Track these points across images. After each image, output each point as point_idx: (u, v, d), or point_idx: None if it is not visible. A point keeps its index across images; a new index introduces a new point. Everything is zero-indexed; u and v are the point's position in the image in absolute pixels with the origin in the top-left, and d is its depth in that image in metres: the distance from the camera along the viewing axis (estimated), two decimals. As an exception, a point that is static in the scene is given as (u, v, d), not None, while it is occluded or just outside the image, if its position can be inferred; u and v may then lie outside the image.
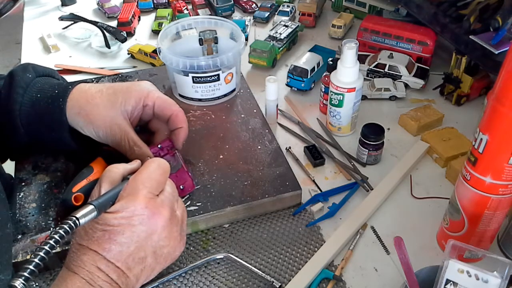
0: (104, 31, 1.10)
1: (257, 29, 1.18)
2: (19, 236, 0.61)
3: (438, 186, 0.74)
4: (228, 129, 0.80)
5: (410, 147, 0.80)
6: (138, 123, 0.67)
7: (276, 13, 1.18)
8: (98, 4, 1.27)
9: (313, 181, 0.75)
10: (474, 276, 0.48)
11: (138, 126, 0.68)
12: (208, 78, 0.82)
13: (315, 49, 1.02)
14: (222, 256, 0.63)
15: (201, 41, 0.89)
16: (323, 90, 0.86)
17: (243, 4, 1.25)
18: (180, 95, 0.87)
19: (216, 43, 0.89)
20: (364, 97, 0.91)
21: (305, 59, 0.93)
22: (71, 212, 0.45)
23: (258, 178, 0.70)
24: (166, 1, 1.26)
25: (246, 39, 1.10)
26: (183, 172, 0.65)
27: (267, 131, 0.79)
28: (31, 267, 0.40)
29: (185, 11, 1.19)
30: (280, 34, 1.04)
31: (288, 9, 1.17)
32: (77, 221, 0.44)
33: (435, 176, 0.76)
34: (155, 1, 1.25)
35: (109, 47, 1.08)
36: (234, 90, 0.88)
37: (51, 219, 0.63)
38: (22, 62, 1.06)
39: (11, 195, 0.66)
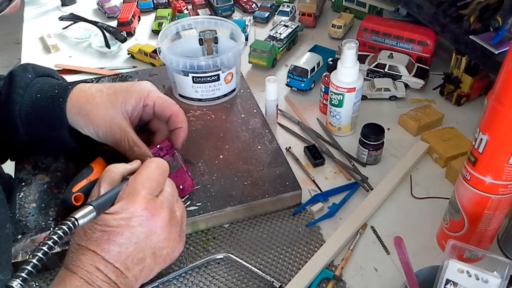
0: (104, 31, 1.10)
1: (257, 29, 1.18)
2: (19, 236, 0.61)
3: (438, 186, 0.74)
4: (228, 129, 0.80)
5: (410, 147, 0.80)
6: (138, 123, 0.67)
7: (276, 13, 1.18)
8: (98, 4, 1.27)
9: (313, 181, 0.75)
10: (474, 276, 0.48)
11: (138, 126, 0.68)
12: (208, 78, 0.82)
13: (315, 49, 1.02)
14: (222, 256, 0.63)
15: (201, 41, 0.89)
16: (323, 90, 0.86)
17: (243, 4, 1.25)
18: (180, 95, 0.87)
19: (216, 43, 0.89)
20: (364, 97, 0.91)
21: (305, 59, 0.93)
22: (71, 212, 0.45)
23: (258, 178, 0.70)
24: (166, 1, 1.26)
25: (246, 39, 1.10)
26: (182, 172, 0.65)
27: (267, 131, 0.79)
28: (29, 267, 0.40)
29: (185, 11, 1.19)
30: (280, 34, 1.04)
31: (288, 9, 1.17)
32: (76, 222, 0.44)
33: (435, 176, 0.76)
34: (155, 1, 1.25)
35: (109, 47, 1.08)
36: (234, 90, 0.88)
37: (51, 219, 0.63)
38: (22, 62, 1.06)
39: (11, 195, 0.66)
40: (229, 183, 0.69)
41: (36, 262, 0.41)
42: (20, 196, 0.66)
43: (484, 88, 0.91)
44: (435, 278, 0.49)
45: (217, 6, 1.19)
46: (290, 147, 0.81)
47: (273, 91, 0.82)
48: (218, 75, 0.83)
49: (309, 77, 0.91)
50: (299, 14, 1.17)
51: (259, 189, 0.68)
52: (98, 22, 1.13)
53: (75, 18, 1.17)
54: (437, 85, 0.92)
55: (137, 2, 1.24)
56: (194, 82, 0.83)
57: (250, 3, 1.25)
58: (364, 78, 0.88)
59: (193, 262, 0.63)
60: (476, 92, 0.90)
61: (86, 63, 1.06)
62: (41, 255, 0.41)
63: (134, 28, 1.17)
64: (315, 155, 0.78)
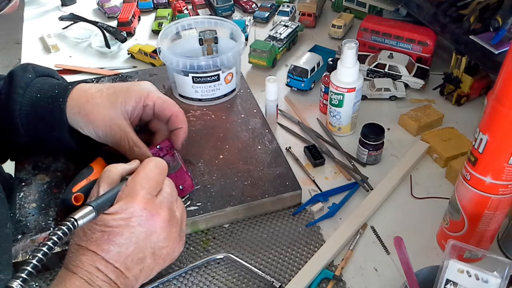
0: (104, 31, 1.10)
1: (257, 29, 1.18)
2: (19, 236, 0.61)
3: (438, 186, 0.74)
4: (228, 129, 0.80)
5: (410, 147, 0.80)
6: (138, 123, 0.67)
7: (276, 13, 1.18)
8: (98, 4, 1.27)
9: (313, 181, 0.75)
10: (474, 276, 0.48)
11: (138, 126, 0.68)
12: (208, 78, 0.82)
13: (315, 49, 1.02)
14: (222, 256, 0.63)
15: (201, 41, 0.89)
16: (323, 90, 0.86)
17: (243, 4, 1.25)
18: (180, 95, 0.87)
19: (216, 43, 0.89)
20: (364, 97, 0.91)
21: (305, 59, 0.93)
22: (71, 212, 0.45)
23: (258, 178, 0.70)
24: (166, 1, 1.26)
25: (246, 39, 1.10)
26: (182, 172, 0.65)
27: (267, 131, 0.79)
28: (29, 268, 0.40)
29: (185, 11, 1.19)
30: (280, 34, 1.04)
31: (288, 9, 1.17)
32: (75, 223, 0.44)
33: (435, 176, 0.76)
34: (155, 1, 1.25)
35: (109, 47, 1.08)
36: (234, 90, 0.88)
37: (51, 219, 0.63)
38: (22, 62, 1.06)
39: (11, 195, 0.66)
40: (229, 183, 0.69)
41: (36, 262, 0.41)
42: (20, 196, 0.66)
43: (484, 88, 0.90)
44: (435, 278, 0.49)
45: (217, 6, 1.19)
46: (290, 147, 0.81)
47: (273, 91, 0.82)
48: (218, 75, 0.83)
49: (309, 77, 0.91)
50: (299, 14, 1.17)
51: (259, 189, 0.68)
52: (98, 22, 1.13)
53: (75, 18, 1.17)
54: (437, 85, 0.92)
55: (137, 2, 1.24)
56: (194, 82, 0.83)
57: (250, 3, 1.25)
58: (364, 78, 0.88)
59: (193, 262, 0.63)
60: (476, 92, 0.90)
61: (86, 63, 1.06)
62: (41, 256, 0.41)
63: (134, 28, 1.17)
64: (315, 155, 0.78)
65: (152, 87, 0.66)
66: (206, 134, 0.79)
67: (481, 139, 0.52)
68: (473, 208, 0.57)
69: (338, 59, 0.78)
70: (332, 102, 0.80)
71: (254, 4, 1.25)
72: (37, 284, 0.60)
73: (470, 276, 0.48)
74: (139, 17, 1.22)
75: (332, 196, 0.72)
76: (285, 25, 1.07)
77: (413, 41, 0.96)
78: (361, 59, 0.88)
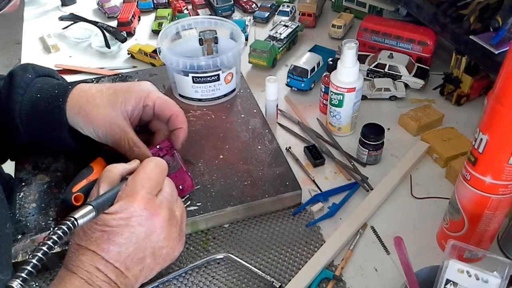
0: (104, 31, 1.10)
1: (257, 29, 1.18)
2: (19, 236, 0.61)
3: (438, 186, 0.74)
4: (228, 129, 0.80)
5: (410, 147, 0.80)
6: (138, 124, 0.67)
7: (276, 13, 1.18)
8: (98, 4, 1.27)
9: (313, 181, 0.75)
10: (474, 276, 0.48)
11: (138, 126, 0.68)
12: (208, 78, 0.82)
13: (315, 49, 1.02)
14: (222, 256, 0.63)
15: (201, 41, 0.89)
16: (323, 90, 0.86)
17: (243, 4, 1.25)
18: (180, 95, 0.87)
19: (216, 43, 0.89)
20: (364, 97, 0.91)
21: (305, 59, 0.93)
22: (71, 212, 0.45)
23: (258, 178, 0.70)
24: (166, 1, 1.26)
25: (246, 39, 1.10)
26: (182, 172, 0.65)
27: (267, 131, 0.79)
28: (29, 267, 0.40)
29: (185, 11, 1.19)
30: (280, 34, 1.04)
31: (288, 9, 1.17)
32: (75, 222, 0.44)
33: (435, 176, 0.76)
34: (155, 1, 1.25)
35: (109, 47, 1.08)
36: (234, 90, 0.88)
37: (51, 219, 0.63)
38: (22, 62, 1.06)
39: (11, 195, 0.66)
40: (229, 183, 0.69)
41: (36, 262, 0.41)
42: (20, 196, 0.66)
43: (484, 88, 0.90)
44: (435, 278, 0.49)
45: (217, 6, 1.19)
46: (290, 147, 0.81)
47: (273, 91, 0.82)
48: (218, 75, 0.83)
49: (309, 77, 0.91)
50: (299, 14, 1.17)
51: (259, 189, 0.68)
52: (98, 22, 1.13)
53: (75, 18, 1.17)
54: (437, 85, 0.92)
55: (137, 2, 1.24)
56: (194, 82, 0.83)
57: (250, 3, 1.25)
58: (364, 78, 0.88)
59: (193, 262, 0.63)
60: (476, 92, 0.90)
61: (86, 63, 1.06)
62: (41, 255, 0.41)
63: (134, 28, 1.17)
64: (315, 155, 0.78)
65: (152, 87, 0.66)
66: (206, 134, 0.79)
67: (481, 139, 0.52)
68: (473, 208, 0.57)
69: (338, 59, 0.78)
70: (332, 102, 0.80)
71: (254, 4, 1.25)
72: (37, 284, 0.60)
73: (470, 276, 0.48)
74: (139, 17, 1.22)
75: (332, 196, 0.72)
76: (285, 25, 1.07)
77: (413, 41, 0.96)
78: (361, 59, 0.88)
